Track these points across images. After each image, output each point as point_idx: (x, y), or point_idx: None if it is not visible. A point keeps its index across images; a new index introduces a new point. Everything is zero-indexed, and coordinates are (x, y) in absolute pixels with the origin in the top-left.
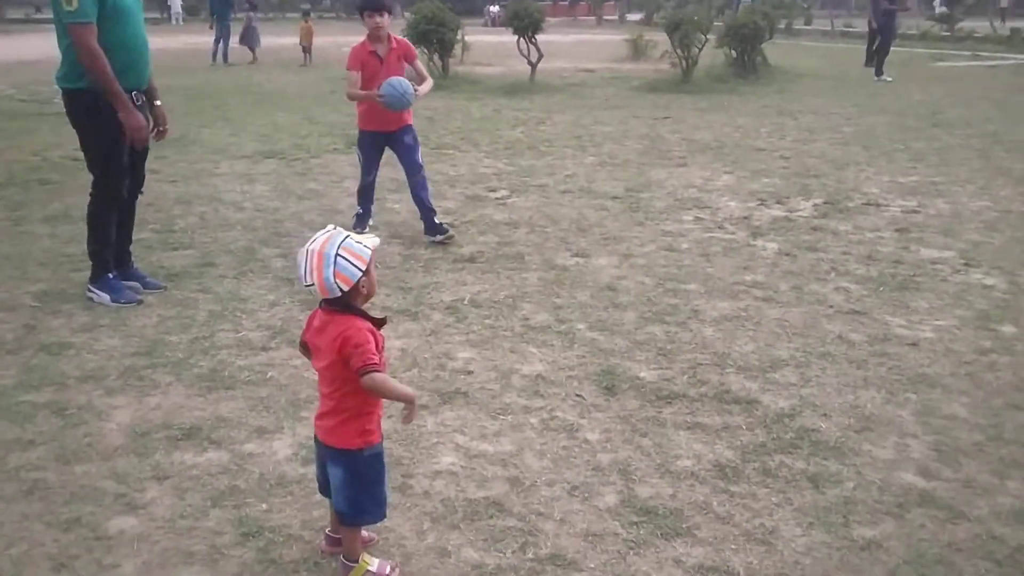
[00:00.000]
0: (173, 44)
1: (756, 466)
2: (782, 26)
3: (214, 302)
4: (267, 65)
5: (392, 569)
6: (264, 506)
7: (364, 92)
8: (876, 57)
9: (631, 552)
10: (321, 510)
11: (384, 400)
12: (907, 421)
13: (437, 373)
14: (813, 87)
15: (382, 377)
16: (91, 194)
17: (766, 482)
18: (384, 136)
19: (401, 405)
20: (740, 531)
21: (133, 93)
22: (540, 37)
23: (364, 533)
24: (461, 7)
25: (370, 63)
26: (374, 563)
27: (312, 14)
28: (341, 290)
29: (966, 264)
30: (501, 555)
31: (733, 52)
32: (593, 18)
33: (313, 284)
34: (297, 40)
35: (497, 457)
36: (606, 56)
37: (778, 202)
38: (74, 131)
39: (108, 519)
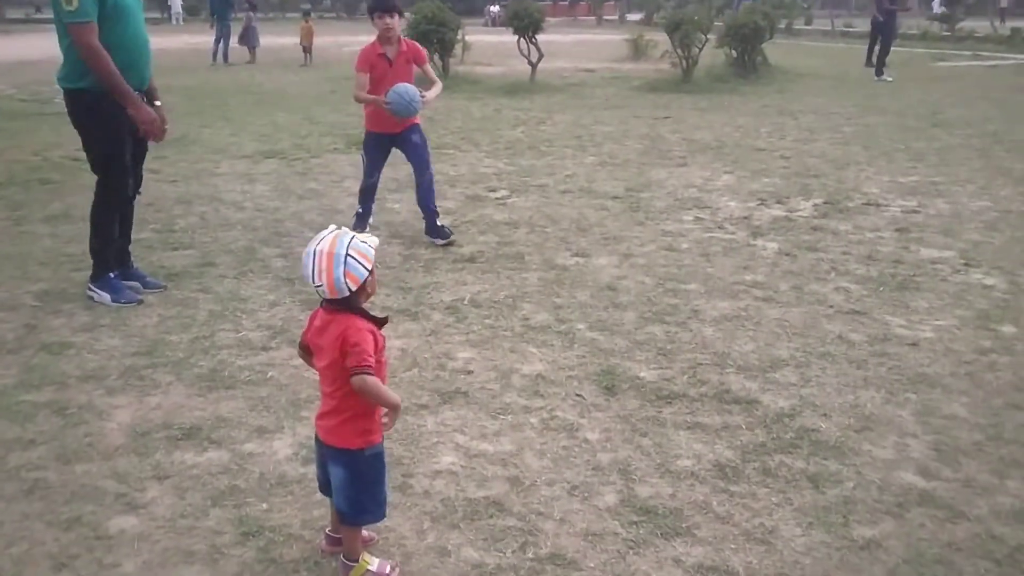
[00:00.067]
0: (173, 44)
1: (756, 466)
2: (782, 26)
3: (214, 302)
4: (267, 65)
5: (392, 569)
6: (264, 506)
7: (371, 97)
8: (877, 58)
9: (631, 552)
10: (321, 510)
11: (396, 395)
12: (907, 421)
13: (437, 373)
14: (813, 87)
15: (373, 380)
16: (95, 193)
17: (766, 482)
18: (391, 137)
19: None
20: (740, 531)
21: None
22: (540, 37)
23: (364, 533)
24: (461, 7)
25: (379, 65)
26: (374, 562)
27: (312, 14)
28: (350, 289)
29: (966, 264)
30: (501, 555)
31: (733, 52)
32: (593, 18)
33: (322, 285)
34: (297, 40)
35: (497, 457)
36: (606, 56)
37: (778, 202)
38: (75, 131)
39: (108, 518)
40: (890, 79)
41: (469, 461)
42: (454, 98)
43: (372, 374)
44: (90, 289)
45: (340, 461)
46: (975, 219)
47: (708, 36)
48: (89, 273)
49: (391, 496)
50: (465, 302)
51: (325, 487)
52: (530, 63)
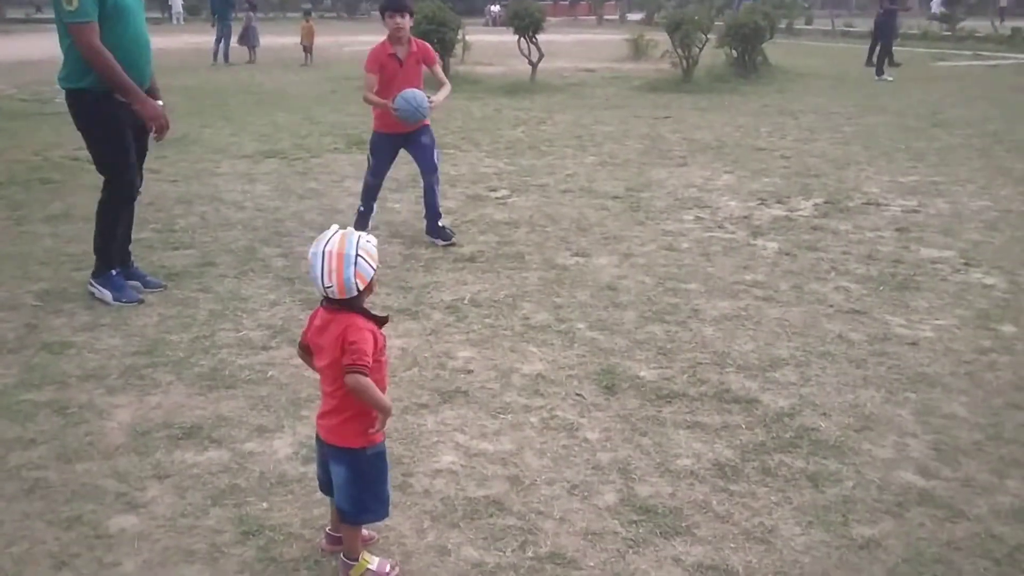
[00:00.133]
0: (174, 44)
1: (755, 465)
2: (783, 26)
3: (215, 301)
4: (268, 65)
5: (392, 568)
6: (264, 505)
7: (380, 101)
8: (877, 57)
9: (630, 551)
10: (321, 509)
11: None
12: (907, 420)
13: (437, 372)
14: (814, 87)
15: (367, 381)
16: (102, 191)
17: (765, 481)
18: (401, 137)
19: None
20: (739, 530)
21: None
22: (541, 37)
23: (364, 532)
24: (462, 7)
25: (389, 65)
26: (374, 561)
27: (313, 14)
28: (358, 289)
29: (966, 264)
30: (501, 554)
31: (734, 52)
32: (594, 18)
33: (332, 286)
34: (298, 40)
35: (497, 456)
36: (607, 56)
37: (778, 201)
38: (77, 131)
39: (109, 517)
40: (890, 79)
41: (469, 460)
42: (454, 98)
43: (366, 374)
44: (91, 284)
45: (342, 460)
46: (975, 219)
47: (708, 36)
48: (90, 271)
49: (392, 495)
50: (465, 301)
51: (325, 486)
52: (530, 63)
